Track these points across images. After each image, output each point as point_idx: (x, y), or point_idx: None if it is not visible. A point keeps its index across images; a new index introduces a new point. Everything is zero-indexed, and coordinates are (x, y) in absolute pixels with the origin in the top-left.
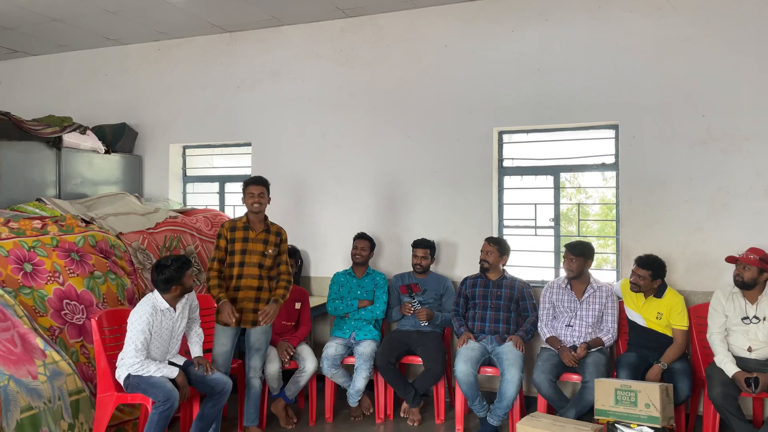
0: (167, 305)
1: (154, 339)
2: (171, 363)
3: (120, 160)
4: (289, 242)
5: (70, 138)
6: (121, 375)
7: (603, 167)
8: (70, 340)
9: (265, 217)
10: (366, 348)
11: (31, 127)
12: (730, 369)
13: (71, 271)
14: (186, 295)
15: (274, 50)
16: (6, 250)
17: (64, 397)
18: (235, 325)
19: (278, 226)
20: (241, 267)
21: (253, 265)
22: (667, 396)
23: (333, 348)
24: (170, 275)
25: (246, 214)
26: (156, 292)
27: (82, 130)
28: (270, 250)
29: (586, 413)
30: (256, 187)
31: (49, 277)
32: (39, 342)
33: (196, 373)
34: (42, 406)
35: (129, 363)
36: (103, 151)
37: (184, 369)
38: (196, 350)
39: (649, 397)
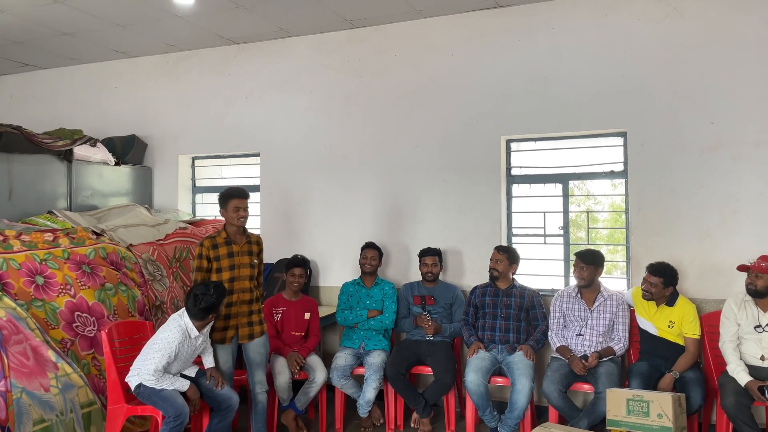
0: (197, 333)
1: (175, 360)
2: (183, 375)
3: (130, 171)
4: (299, 252)
5: (80, 150)
6: (132, 382)
7: (612, 175)
8: (81, 353)
9: (245, 228)
10: (376, 358)
11: (42, 140)
12: (743, 378)
13: (82, 283)
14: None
15: (282, 62)
16: (18, 263)
17: (76, 410)
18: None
19: (257, 235)
20: (232, 283)
21: (243, 279)
22: (680, 406)
23: (343, 358)
24: (211, 303)
25: (224, 228)
26: (185, 315)
27: (92, 142)
28: (255, 261)
29: (599, 424)
30: (241, 201)
31: (60, 290)
32: (51, 354)
33: (207, 386)
34: (54, 418)
35: (145, 378)
36: (113, 163)
37: (195, 380)
38: (208, 361)
39: (661, 407)
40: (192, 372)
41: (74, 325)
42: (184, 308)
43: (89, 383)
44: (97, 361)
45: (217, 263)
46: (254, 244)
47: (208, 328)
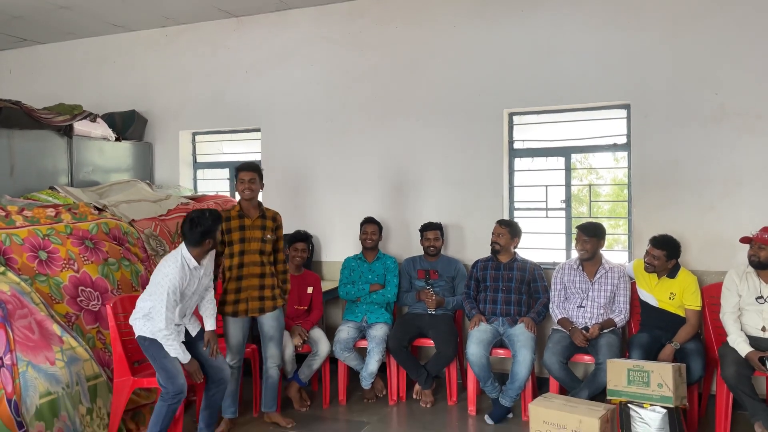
0: (195, 263)
1: (184, 297)
2: (186, 342)
3: (130, 147)
4: (301, 227)
5: (80, 126)
6: (136, 327)
7: (614, 148)
8: (86, 327)
9: (259, 203)
10: (378, 331)
11: (42, 115)
12: (744, 348)
13: (86, 258)
14: (210, 252)
15: (282, 35)
16: (21, 238)
17: (82, 382)
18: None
19: (274, 211)
20: (241, 256)
21: (253, 253)
22: (680, 376)
23: (345, 331)
24: (207, 227)
25: (239, 202)
26: (183, 248)
27: (92, 117)
28: (268, 236)
29: (599, 394)
30: (246, 173)
31: (64, 265)
32: (56, 328)
33: (203, 353)
34: (60, 391)
35: (158, 327)
36: (114, 138)
37: (193, 346)
38: (209, 324)
39: (661, 377)
40: (194, 329)
41: (78, 299)
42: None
43: (94, 357)
44: (102, 335)
45: (228, 236)
46: (269, 219)
47: (209, 262)
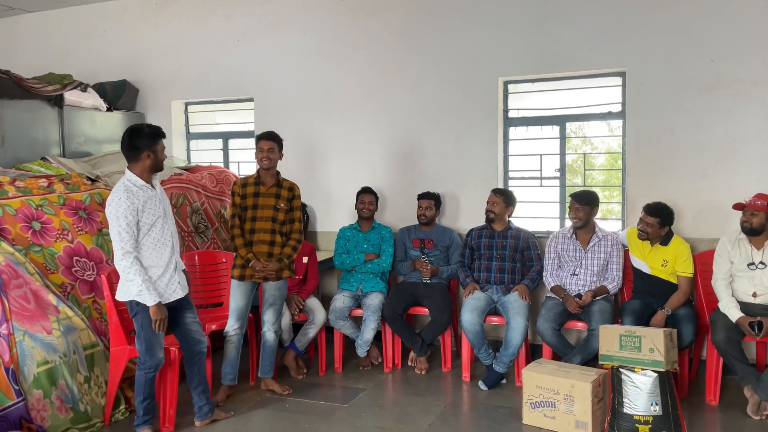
0: (141, 181)
1: (153, 228)
2: (172, 307)
3: (122, 117)
4: None
5: (71, 96)
6: (118, 293)
7: (609, 116)
8: (82, 297)
9: (277, 173)
10: (374, 300)
11: (32, 85)
12: (734, 314)
13: (79, 228)
14: (158, 174)
15: (275, 2)
16: (14, 209)
17: (79, 351)
18: (273, 273)
19: (291, 182)
20: (253, 222)
21: (265, 220)
22: (671, 341)
23: (341, 300)
24: (141, 139)
25: (258, 170)
26: (127, 171)
27: (83, 87)
28: (282, 204)
29: (592, 360)
30: (265, 142)
31: (58, 235)
32: (52, 298)
33: (188, 323)
34: (58, 360)
35: (117, 261)
36: (105, 108)
37: (180, 310)
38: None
39: (653, 342)
40: (183, 289)
41: (73, 269)
42: None
43: (91, 326)
44: (98, 305)
45: (244, 201)
46: (285, 189)
47: (156, 183)
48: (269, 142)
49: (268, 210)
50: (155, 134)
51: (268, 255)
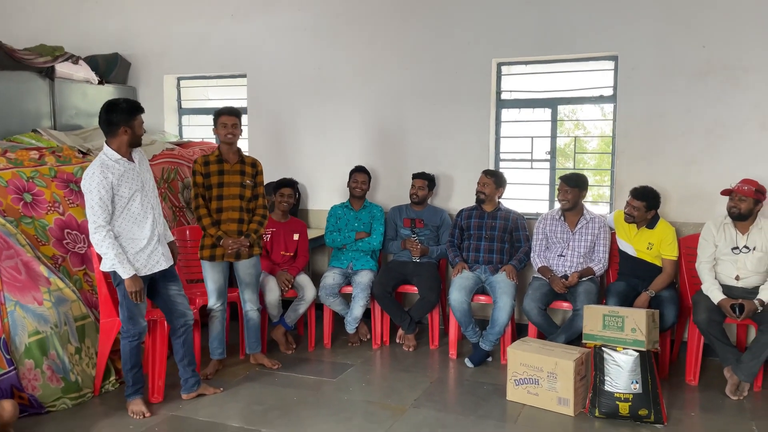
0: (118, 155)
1: (132, 201)
2: (154, 279)
3: (113, 91)
4: (287, 175)
5: (62, 68)
6: (104, 263)
7: (601, 99)
8: (73, 269)
9: (239, 149)
10: (363, 277)
11: (23, 56)
12: (717, 296)
13: (71, 201)
14: (138, 149)
15: None
16: (5, 180)
17: (70, 323)
18: (246, 247)
19: (253, 158)
20: (220, 200)
21: (233, 198)
22: (653, 321)
23: (331, 277)
24: (118, 114)
25: (218, 147)
26: (105, 146)
27: (74, 59)
28: (248, 181)
29: (576, 339)
30: (228, 117)
31: (49, 207)
32: (43, 270)
33: (172, 295)
34: (49, 330)
35: (91, 234)
36: (97, 82)
37: (163, 283)
38: (168, 235)
39: (635, 322)
40: (167, 261)
41: (64, 242)
42: None
43: (82, 298)
44: (88, 277)
45: (207, 180)
46: (249, 165)
47: (139, 159)
48: (232, 117)
49: (235, 187)
50: (132, 109)
51: (238, 233)
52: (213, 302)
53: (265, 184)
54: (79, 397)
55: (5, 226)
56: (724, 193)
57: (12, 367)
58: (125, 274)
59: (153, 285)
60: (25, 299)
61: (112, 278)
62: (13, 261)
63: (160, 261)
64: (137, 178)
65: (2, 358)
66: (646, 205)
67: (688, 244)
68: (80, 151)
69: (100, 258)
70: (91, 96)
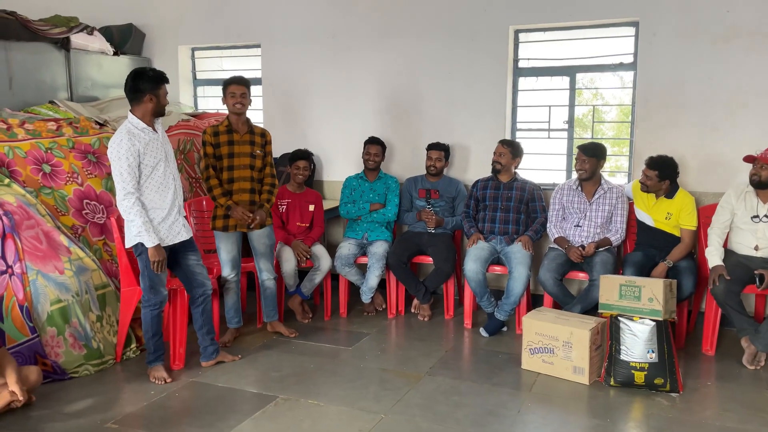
0: (143, 124)
1: (155, 171)
2: (174, 249)
3: (128, 62)
4: (302, 146)
5: (77, 39)
6: (128, 238)
7: (621, 67)
8: (92, 239)
9: (248, 119)
10: (378, 248)
11: (38, 27)
12: (714, 261)
13: (89, 172)
14: (160, 119)
15: None
16: (24, 151)
17: (91, 291)
18: (254, 221)
19: (262, 128)
20: (230, 171)
21: (243, 168)
22: (671, 291)
23: (346, 248)
24: (145, 82)
25: (227, 117)
26: (130, 114)
27: (89, 30)
28: (258, 151)
29: (592, 309)
30: (238, 87)
31: (68, 178)
32: (63, 239)
33: (191, 265)
34: (70, 299)
35: (119, 201)
36: (112, 53)
37: (183, 253)
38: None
39: (652, 291)
40: (186, 233)
41: (84, 212)
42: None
43: (102, 267)
44: (108, 247)
45: (218, 151)
46: (258, 135)
47: (158, 127)
48: (241, 87)
49: (245, 158)
50: (159, 78)
51: (251, 203)
52: (227, 272)
53: (280, 155)
54: (101, 364)
55: (25, 197)
56: (747, 159)
57: (35, 335)
58: (150, 242)
59: (173, 255)
60: (46, 268)
61: (133, 249)
62: (34, 231)
63: (181, 232)
64: (161, 148)
65: (25, 326)
66: (658, 174)
67: (707, 214)
68: (97, 122)
69: (120, 229)
70: (106, 67)
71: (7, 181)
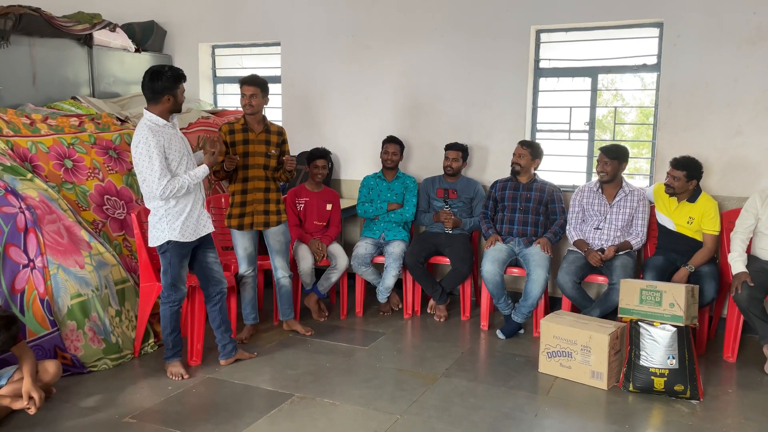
0: (163, 120)
1: (180, 165)
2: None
3: (150, 59)
4: (320, 145)
5: (100, 36)
6: (153, 237)
7: (644, 68)
8: (112, 234)
9: (264, 118)
10: (396, 248)
11: (62, 23)
12: (738, 267)
13: (110, 168)
14: (176, 116)
15: None
16: (47, 147)
17: (111, 286)
18: (221, 146)
19: (278, 126)
20: (246, 170)
21: (258, 167)
22: (692, 297)
23: (363, 247)
24: (164, 82)
25: (243, 116)
26: (146, 112)
27: (111, 27)
28: (273, 150)
29: (611, 313)
30: (247, 87)
31: (89, 173)
32: (84, 234)
33: (209, 263)
34: (90, 293)
35: (161, 191)
36: (133, 49)
37: (201, 250)
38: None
39: (674, 296)
40: (208, 226)
41: (104, 207)
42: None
43: (122, 262)
44: (128, 243)
45: (233, 149)
46: (274, 134)
47: (176, 121)
48: (251, 87)
49: (260, 157)
50: (177, 77)
51: (265, 202)
52: (244, 269)
53: (298, 153)
54: (119, 358)
55: (48, 192)
56: None
57: (55, 328)
58: (203, 171)
59: (193, 252)
60: (67, 263)
61: (157, 247)
62: (56, 225)
63: (207, 224)
64: (182, 142)
65: (46, 319)
66: (686, 174)
67: (730, 219)
68: (118, 119)
69: (140, 225)
70: (128, 64)
71: (29, 175)
